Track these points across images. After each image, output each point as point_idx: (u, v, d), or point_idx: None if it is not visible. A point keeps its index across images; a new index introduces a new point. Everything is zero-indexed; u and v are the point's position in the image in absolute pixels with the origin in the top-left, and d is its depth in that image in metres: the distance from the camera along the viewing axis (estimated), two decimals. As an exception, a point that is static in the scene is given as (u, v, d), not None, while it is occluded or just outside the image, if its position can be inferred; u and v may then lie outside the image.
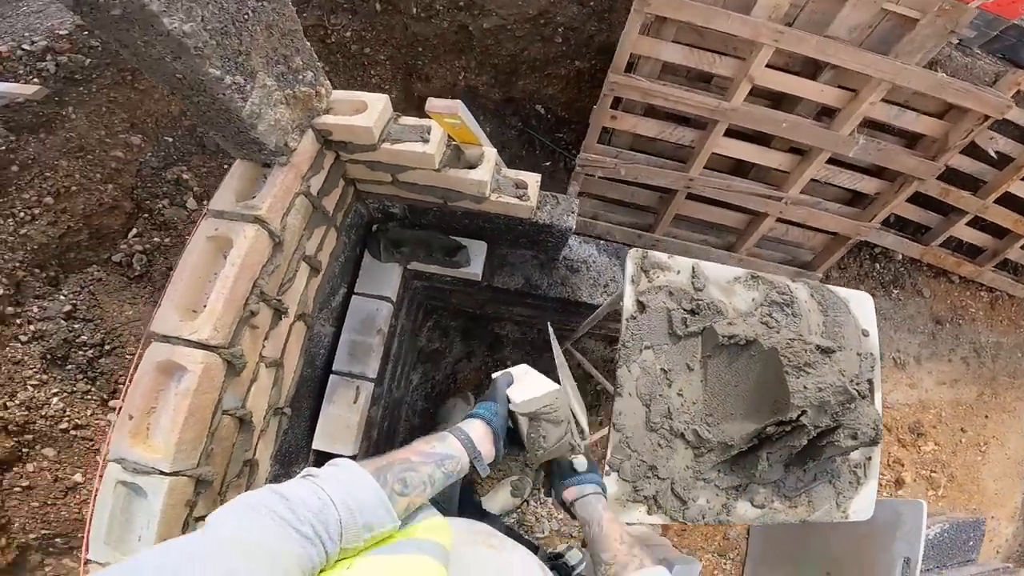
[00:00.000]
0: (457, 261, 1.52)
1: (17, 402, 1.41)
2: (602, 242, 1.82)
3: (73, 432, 1.49)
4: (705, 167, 2.22)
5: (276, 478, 1.28)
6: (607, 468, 1.19)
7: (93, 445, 1.51)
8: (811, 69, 2.03)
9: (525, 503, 2.14)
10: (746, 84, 1.92)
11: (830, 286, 1.35)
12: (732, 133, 2.11)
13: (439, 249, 1.53)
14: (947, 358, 2.78)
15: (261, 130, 0.95)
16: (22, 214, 1.43)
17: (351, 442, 1.43)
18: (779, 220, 2.37)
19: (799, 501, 1.28)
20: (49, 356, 1.45)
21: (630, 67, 2.01)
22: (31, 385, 1.42)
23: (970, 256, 2.79)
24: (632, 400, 1.21)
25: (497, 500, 2.03)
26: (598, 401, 2.30)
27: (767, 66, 1.89)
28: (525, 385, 0.90)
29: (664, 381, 1.22)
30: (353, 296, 1.52)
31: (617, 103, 2.14)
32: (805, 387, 1.06)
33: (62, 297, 1.49)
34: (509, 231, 1.51)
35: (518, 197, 1.31)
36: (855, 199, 2.43)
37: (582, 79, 2.41)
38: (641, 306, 1.22)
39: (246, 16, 0.86)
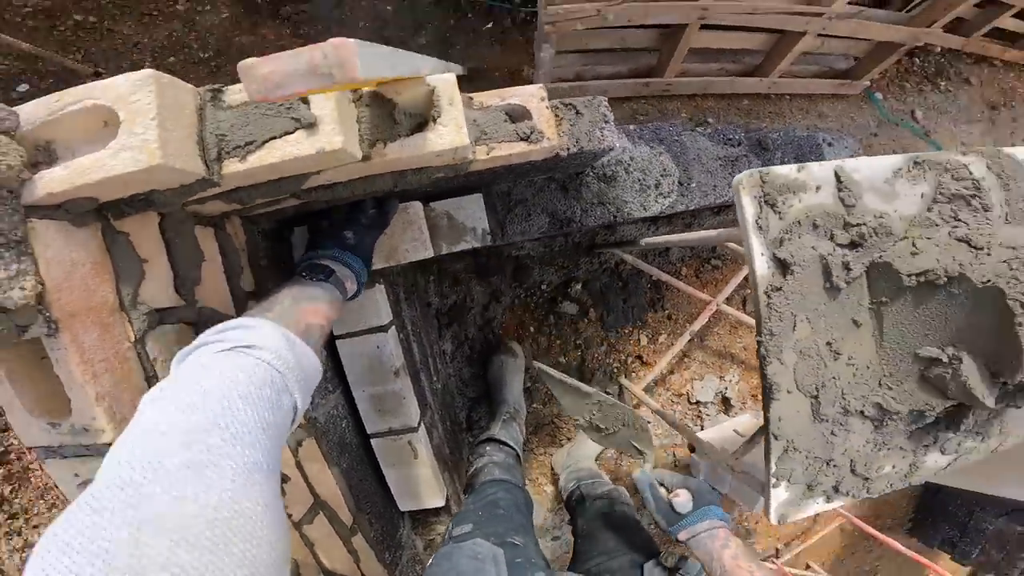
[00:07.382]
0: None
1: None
2: (631, 127, 1.35)
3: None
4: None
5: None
6: (773, 480, 0.87)
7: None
8: None
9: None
10: None
11: (1006, 149, 0.93)
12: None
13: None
14: (1010, 141, 2.57)
15: None
16: None
17: (438, 493, 1.21)
18: (820, 36, 1.87)
19: (991, 431, 1.00)
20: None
21: None
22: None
23: (1011, 42, 2.46)
24: (793, 397, 0.84)
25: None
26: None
27: None
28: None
29: (830, 355, 0.85)
30: (337, 342, 1.06)
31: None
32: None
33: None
34: (509, 172, 1.02)
35: (524, 137, 0.79)
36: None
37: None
38: (783, 266, 0.80)
39: None
